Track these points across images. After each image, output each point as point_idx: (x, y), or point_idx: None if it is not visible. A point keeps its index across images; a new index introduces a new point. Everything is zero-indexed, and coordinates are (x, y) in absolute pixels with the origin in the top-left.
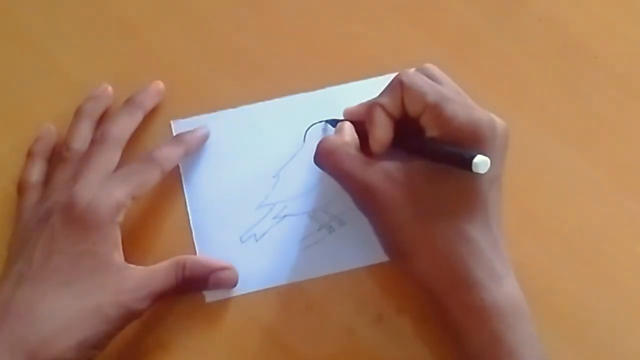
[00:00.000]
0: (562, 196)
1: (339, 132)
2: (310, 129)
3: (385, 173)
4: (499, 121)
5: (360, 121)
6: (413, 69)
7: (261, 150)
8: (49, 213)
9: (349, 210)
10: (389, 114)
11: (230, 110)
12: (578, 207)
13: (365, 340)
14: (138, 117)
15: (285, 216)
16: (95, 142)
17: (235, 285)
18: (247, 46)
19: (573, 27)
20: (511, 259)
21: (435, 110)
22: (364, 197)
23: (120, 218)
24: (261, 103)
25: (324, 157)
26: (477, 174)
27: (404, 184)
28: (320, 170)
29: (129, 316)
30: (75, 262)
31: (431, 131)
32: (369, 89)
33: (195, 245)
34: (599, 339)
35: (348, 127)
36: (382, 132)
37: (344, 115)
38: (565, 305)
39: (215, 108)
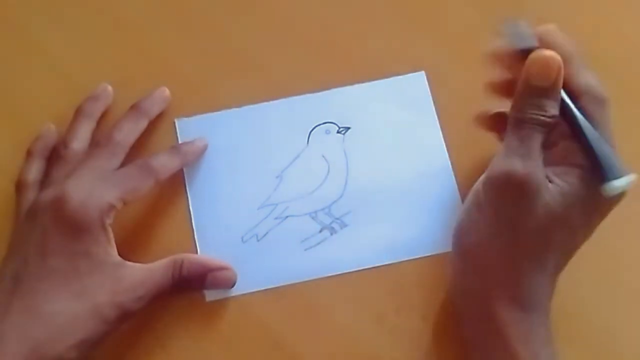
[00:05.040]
0: None
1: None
2: (314, 130)
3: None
4: None
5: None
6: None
7: (264, 151)
8: (35, 209)
9: (351, 212)
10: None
11: (234, 109)
12: None
13: (365, 340)
14: (143, 124)
15: (287, 217)
16: (98, 145)
17: (233, 286)
18: (249, 46)
19: (573, 27)
20: None
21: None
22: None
23: (110, 220)
24: (265, 103)
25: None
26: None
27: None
28: (325, 172)
29: (127, 316)
30: (71, 261)
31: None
32: (372, 91)
33: (197, 244)
34: (599, 339)
35: None
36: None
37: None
38: (566, 305)
39: (218, 107)
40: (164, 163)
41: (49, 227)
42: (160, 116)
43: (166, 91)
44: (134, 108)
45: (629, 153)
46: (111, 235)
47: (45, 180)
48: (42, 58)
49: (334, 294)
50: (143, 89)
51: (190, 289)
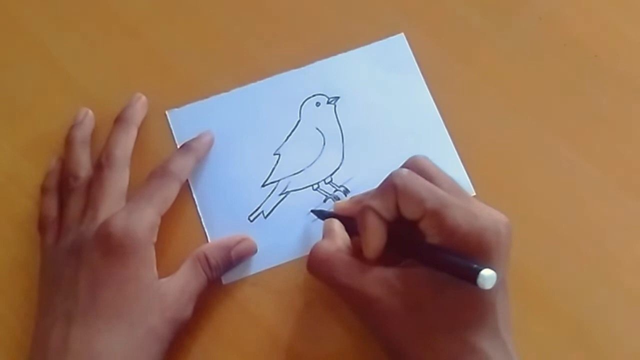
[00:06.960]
0: (562, 195)
1: (329, 234)
2: (304, 104)
3: (383, 281)
4: (502, 223)
5: (352, 217)
6: (405, 169)
7: (259, 130)
8: (79, 246)
9: (352, 178)
10: (382, 218)
11: (224, 94)
12: (578, 206)
13: (364, 339)
14: (133, 133)
15: (290, 191)
16: (103, 166)
17: (255, 252)
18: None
19: (573, 26)
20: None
21: (436, 217)
22: (362, 308)
23: (155, 238)
24: (252, 84)
25: (317, 267)
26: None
27: (404, 293)
28: (321, 144)
29: (180, 327)
30: (119, 291)
31: (432, 238)
32: (355, 59)
33: (206, 231)
34: (599, 339)
35: (338, 228)
36: (374, 238)
37: (335, 210)
38: (566, 305)
39: (207, 94)
40: (181, 165)
41: (97, 262)
42: (151, 109)
43: (142, 97)
44: (121, 121)
45: (629, 152)
46: (154, 255)
47: (64, 215)
48: (42, 58)
49: (334, 292)
50: (138, 83)
51: (223, 272)
